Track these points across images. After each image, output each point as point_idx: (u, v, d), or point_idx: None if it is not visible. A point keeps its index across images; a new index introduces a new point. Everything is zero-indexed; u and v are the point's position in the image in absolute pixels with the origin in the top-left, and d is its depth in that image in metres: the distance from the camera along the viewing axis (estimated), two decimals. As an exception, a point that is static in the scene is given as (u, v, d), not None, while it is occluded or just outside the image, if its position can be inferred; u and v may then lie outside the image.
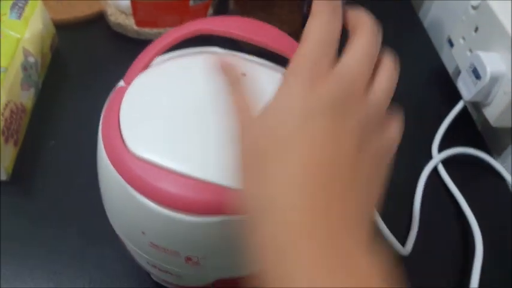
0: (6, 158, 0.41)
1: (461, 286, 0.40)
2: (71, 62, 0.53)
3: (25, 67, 0.44)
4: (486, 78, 0.46)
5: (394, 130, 0.26)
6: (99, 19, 0.58)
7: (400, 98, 0.54)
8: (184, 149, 0.27)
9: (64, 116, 0.48)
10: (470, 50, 0.52)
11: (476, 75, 0.48)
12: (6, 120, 0.40)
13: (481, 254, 0.40)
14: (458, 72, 0.53)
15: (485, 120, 0.51)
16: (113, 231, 0.39)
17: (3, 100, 0.40)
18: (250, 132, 0.23)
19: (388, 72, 0.27)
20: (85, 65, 0.53)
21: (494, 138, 0.53)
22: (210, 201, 0.26)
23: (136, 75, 0.30)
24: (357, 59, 0.24)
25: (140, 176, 0.26)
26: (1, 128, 0.39)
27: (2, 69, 0.40)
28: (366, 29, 0.26)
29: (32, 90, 0.46)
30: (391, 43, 0.60)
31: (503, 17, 0.47)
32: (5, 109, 0.40)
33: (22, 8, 0.46)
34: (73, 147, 0.45)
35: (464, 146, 0.50)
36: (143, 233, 0.28)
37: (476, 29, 0.51)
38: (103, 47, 0.56)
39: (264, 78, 0.30)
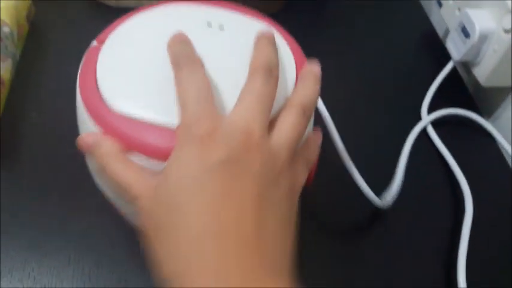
0: (-16, 131, 0.39)
1: (450, 244, 0.40)
2: (49, 32, 0.52)
3: (0, 37, 0.43)
4: (475, 36, 0.45)
5: (301, 168, 0.27)
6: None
7: (390, 61, 0.54)
8: (164, 101, 0.26)
9: (44, 87, 0.46)
10: (459, 9, 0.51)
11: (466, 33, 0.47)
12: (-19, 91, 0.39)
13: (471, 213, 0.40)
14: (447, 33, 0.51)
15: (475, 82, 0.50)
16: (97, 201, 0.39)
17: (-22, 70, 0.38)
18: (148, 205, 0.23)
19: (292, 118, 0.26)
20: (64, 35, 0.52)
21: (484, 99, 0.52)
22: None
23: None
24: (246, 108, 0.24)
25: (126, 132, 0.25)
26: (-23, 99, 0.38)
27: (-26, 39, 0.39)
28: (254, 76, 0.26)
29: (10, 62, 0.45)
30: (381, 7, 0.60)
31: (492, -28, 0.45)
32: (-20, 80, 0.39)
33: (-6, -24, 0.44)
34: (54, 118, 0.44)
35: (454, 107, 0.49)
36: None
37: (465, -13, 0.50)
38: (81, 16, 0.54)
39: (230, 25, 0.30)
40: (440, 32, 0.58)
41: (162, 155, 0.24)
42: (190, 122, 0.23)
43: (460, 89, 0.52)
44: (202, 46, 0.27)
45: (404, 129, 0.47)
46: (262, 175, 0.23)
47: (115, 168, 0.25)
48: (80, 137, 0.26)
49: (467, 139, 0.48)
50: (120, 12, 0.32)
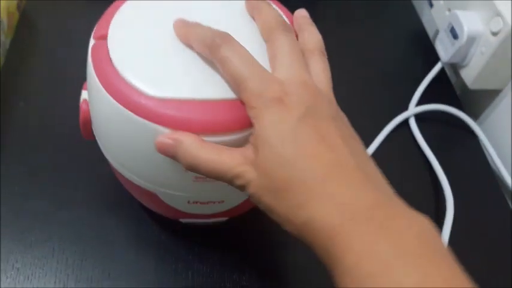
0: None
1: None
2: (40, 23, 0.51)
3: (-11, 26, 0.42)
4: (463, 38, 0.46)
5: None
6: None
7: (379, 59, 0.54)
8: (193, 78, 0.27)
9: (33, 77, 0.46)
10: (449, 10, 0.51)
11: (454, 34, 0.47)
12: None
13: (452, 211, 0.40)
14: (437, 34, 0.52)
15: (463, 83, 0.50)
16: (82, 193, 0.39)
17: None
18: (256, 177, 0.25)
19: (319, 63, 0.29)
20: (54, 26, 0.51)
21: (471, 101, 0.53)
22: (244, 116, 0.26)
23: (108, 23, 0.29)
24: (289, 64, 0.26)
25: (171, 114, 0.26)
26: (-37, 88, 0.38)
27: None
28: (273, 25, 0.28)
29: (-2, 51, 0.45)
30: (373, 5, 0.60)
31: (482, -25, 0.46)
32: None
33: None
34: (42, 109, 0.44)
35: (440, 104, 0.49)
36: (186, 170, 0.27)
37: (455, -12, 0.50)
38: (73, 6, 0.54)
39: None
40: (430, 33, 0.59)
41: (223, 126, 0.26)
42: (260, 90, 0.25)
43: (448, 89, 0.53)
44: (193, 19, 0.29)
45: (388, 120, 0.47)
46: (332, 115, 0.26)
47: (208, 158, 0.25)
48: (157, 141, 0.26)
49: (450, 136, 0.49)
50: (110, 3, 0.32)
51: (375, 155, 0.45)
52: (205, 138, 0.26)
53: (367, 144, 0.45)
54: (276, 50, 0.27)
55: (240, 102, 0.26)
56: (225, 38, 0.26)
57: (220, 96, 0.27)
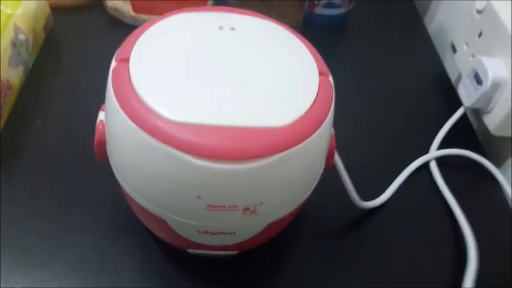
0: (-14, 134, 0.39)
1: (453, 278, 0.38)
2: (65, 45, 0.52)
3: (15, 44, 0.43)
4: (488, 84, 0.45)
5: None
6: (97, 5, 0.57)
7: (401, 102, 0.54)
8: (213, 103, 0.27)
9: (53, 97, 0.47)
10: (473, 56, 0.50)
11: (478, 80, 0.47)
12: (-11, 95, 0.39)
13: (474, 256, 0.38)
14: (460, 79, 0.51)
15: (485, 130, 0.49)
16: (91, 217, 0.38)
17: (-12, 74, 0.39)
18: None
19: None
20: (79, 49, 0.52)
21: (494, 149, 0.52)
22: (263, 144, 0.26)
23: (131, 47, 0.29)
24: None
25: (188, 139, 0.25)
26: (-17, 102, 0.38)
27: (-12, 43, 0.39)
28: None
29: (21, 68, 0.45)
30: (395, 48, 0.60)
31: (508, 22, 0.45)
32: (-12, 83, 0.39)
33: (16, -15, 0.45)
34: (59, 129, 0.44)
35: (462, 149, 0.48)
36: (199, 197, 0.27)
37: (480, 34, 0.50)
38: (99, 31, 0.55)
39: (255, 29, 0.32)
40: (452, 78, 0.58)
41: (239, 153, 0.26)
42: None
43: (469, 135, 0.52)
44: (216, 47, 0.29)
45: (408, 163, 0.46)
46: None
47: None
48: None
49: (472, 181, 0.47)
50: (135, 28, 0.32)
51: (394, 197, 0.43)
52: (221, 165, 0.25)
53: (386, 186, 0.43)
54: None
55: (260, 131, 0.26)
56: None
57: (240, 124, 0.26)
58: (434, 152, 0.47)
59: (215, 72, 0.29)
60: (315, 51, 0.32)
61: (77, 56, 0.51)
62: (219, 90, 0.28)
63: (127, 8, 0.53)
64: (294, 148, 0.27)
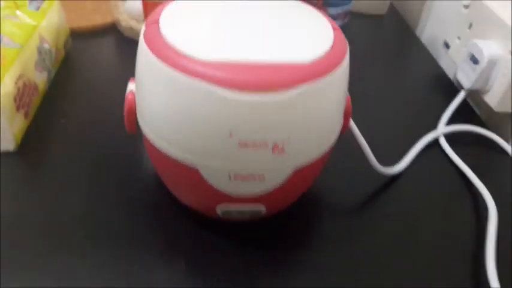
0: (15, 125, 0.41)
1: (474, 244, 0.38)
2: (82, 64, 0.55)
3: (40, 51, 0.46)
4: (484, 61, 0.48)
5: None
6: (112, 29, 0.61)
7: (401, 98, 0.56)
8: (241, 44, 0.30)
9: (74, 103, 0.49)
10: (466, 45, 0.54)
11: (474, 61, 0.50)
12: (18, 89, 0.41)
13: (495, 215, 0.39)
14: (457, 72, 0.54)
15: (488, 113, 0.51)
16: (109, 232, 0.39)
17: (18, 71, 0.41)
18: None
19: None
20: (96, 66, 0.55)
21: (496, 129, 0.53)
22: (290, 76, 0.28)
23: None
24: None
25: (220, 74, 0.27)
26: (14, 95, 0.40)
27: (18, 45, 0.42)
28: None
29: (45, 74, 0.48)
30: (392, 56, 0.63)
31: (495, 7, 0.49)
32: (18, 79, 0.41)
33: (40, 2, 0.49)
34: (82, 127, 0.46)
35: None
36: (231, 134, 0.29)
37: (470, 26, 0.54)
38: (115, 50, 0.58)
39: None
40: (450, 75, 0.61)
41: (266, 85, 0.28)
42: None
43: (472, 116, 0.53)
44: (239, 7, 0.33)
45: (417, 139, 0.48)
46: None
47: None
48: None
49: (482, 155, 0.48)
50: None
51: (408, 172, 0.44)
52: (251, 97, 0.27)
53: (399, 158, 0.45)
54: None
55: (287, 66, 0.28)
56: None
57: (268, 60, 0.28)
58: (443, 127, 0.49)
59: (240, 24, 0.32)
60: (327, 16, 0.36)
61: (94, 73, 0.54)
62: (245, 35, 0.30)
63: (141, 27, 0.57)
64: (318, 81, 0.29)
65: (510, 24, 0.47)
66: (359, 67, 0.61)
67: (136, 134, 0.36)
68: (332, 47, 0.31)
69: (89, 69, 0.54)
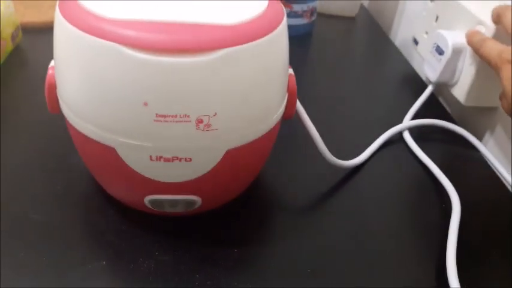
0: None
1: (437, 238, 0.35)
2: (31, 58, 0.53)
3: (-23, 38, 0.43)
4: (449, 51, 0.45)
5: None
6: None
7: (376, 93, 0.54)
8: (159, 5, 0.27)
9: (14, 98, 0.46)
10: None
11: (440, 51, 0.47)
12: None
13: (458, 207, 0.35)
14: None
15: (458, 109, 0.49)
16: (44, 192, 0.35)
17: None
18: None
19: None
20: (45, 62, 0.52)
21: (465, 122, 0.51)
22: (211, 37, 0.25)
23: None
24: None
25: (131, 33, 0.24)
26: None
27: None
28: None
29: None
30: (364, 61, 0.61)
31: (460, -5, 0.47)
32: None
33: (-16, -9, 0.47)
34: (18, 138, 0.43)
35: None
36: (145, 104, 0.25)
37: (436, 19, 0.51)
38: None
39: None
40: (421, 74, 0.59)
41: (180, 45, 0.25)
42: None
43: (439, 110, 0.51)
44: None
45: (381, 133, 0.45)
46: None
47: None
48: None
49: (446, 148, 0.46)
50: None
51: (369, 165, 0.41)
52: (166, 58, 0.24)
53: (359, 153, 0.42)
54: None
55: (209, 26, 0.25)
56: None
57: (188, 20, 0.26)
58: (407, 121, 0.46)
59: None
60: None
61: (42, 67, 0.51)
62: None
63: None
64: (244, 45, 0.26)
65: (475, 12, 0.44)
66: (329, 67, 0.58)
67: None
68: (264, 11, 0.28)
69: (36, 64, 0.52)
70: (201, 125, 0.27)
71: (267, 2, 0.29)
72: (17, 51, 0.52)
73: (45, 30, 0.57)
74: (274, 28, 0.28)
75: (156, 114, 0.26)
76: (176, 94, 0.26)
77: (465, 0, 0.46)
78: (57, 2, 0.29)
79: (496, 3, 0.41)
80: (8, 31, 0.50)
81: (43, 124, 0.42)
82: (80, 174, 0.37)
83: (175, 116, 0.26)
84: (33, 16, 0.58)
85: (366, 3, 0.76)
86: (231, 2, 0.29)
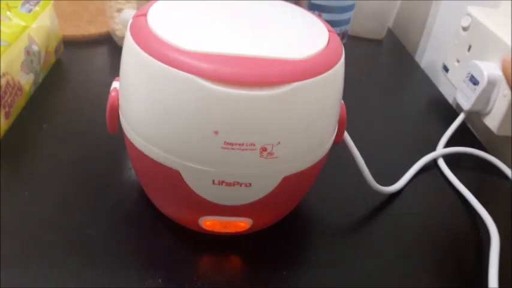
0: (-6, 125, 0.39)
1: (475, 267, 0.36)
2: (73, 71, 0.54)
3: (28, 51, 0.45)
4: (484, 81, 0.47)
5: None
6: (107, 40, 0.60)
7: (400, 126, 0.54)
8: (232, 37, 0.28)
9: (59, 108, 0.47)
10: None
11: (474, 82, 0.48)
12: (0, 87, 0.39)
13: (497, 239, 0.36)
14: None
15: (488, 138, 0.50)
16: (96, 211, 0.36)
17: (2, 69, 0.39)
18: None
19: None
20: (87, 74, 0.54)
21: (496, 151, 0.52)
22: (281, 71, 0.26)
23: None
24: None
25: (207, 65, 0.26)
26: (-6, 93, 0.38)
27: (4, 43, 0.41)
28: None
29: (32, 76, 0.46)
30: (392, 85, 0.62)
31: (494, 27, 0.48)
32: (1, 77, 0.39)
33: (33, 6, 0.48)
34: (64, 133, 0.44)
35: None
36: (216, 132, 0.27)
37: (469, 48, 0.53)
38: (107, 61, 0.57)
39: None
40: (450, 100, 0.60)
41: (254, 79, 0.26)
42: None
43: (471, 138, 0.52)
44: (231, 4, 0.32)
45: (417, 159, 0.46)
46: None
47: None
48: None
49: (479, 177, 0.47)
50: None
51: (405, 193, 0.42)
52: (239, 91, 0.26)
53: (394, 181, 0.43)
54: None
55: (278, 61, 0.26)
56: None
57: (259, 54, 0.27)
58: (441, 149, 0.47)
59: (233, 20, 0.30)
60: (322, 19, 0.34)
61: (84, 80, 0.53)
62: (237, 30, 0.29)
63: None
64: (310, 79, 0.27)
65: (510, 44, 0.46)
66: (358, 90, 0.60)
67: (119, 142, 0.34)
68: (327, 46, 0.30)
69: (79, 77, 0.53)
70: (265, 153, 0.28)
71: (327, 35, 0.31)
72: (58, 64, 0.54)
73: (84, 44, 0.59)
74: (337, 62, 0.29)
75: (225, 142, 0.27)
76: (245, 124, 0.27)
77: (500, 31, 0.48)
78: (128, 25, 0.30)
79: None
80: (53, 44, 0.51)
81: (88, 138, 0.43)
82: (131, 190, 0.38)
83: (242, 144, 0.27)
84: (72, 30, 0.59)
85: (392, 26, 0.78)
86: (295, 35, 0.30)
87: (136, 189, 0.38)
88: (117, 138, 0.34)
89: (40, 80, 0.49)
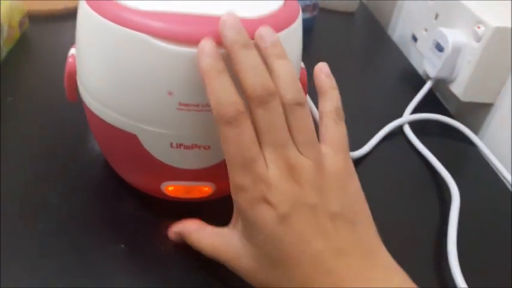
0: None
1: (437, 231, 0.37)
2: (38, 46, 0.53)
3: (-12, 25, 0.44)
4: (449, 48, 0.47)
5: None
6: (74, 15, 0.59)
7: (369, 96, 0.55)
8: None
9: (23, 82, 0.46)
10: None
11: (439, 48, 0.49)
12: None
13: (457, 201, 0.37)
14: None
15: (456, 104, 0.50)
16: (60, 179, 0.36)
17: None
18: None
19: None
20: (53, 50, 0.53)
21: (465, 121, 0.53)
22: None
23: None
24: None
25: (160, 25, 0.25)
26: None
27: (-38, 15, 0.40)
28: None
29: (-7, 51, 0.45)
30: (363, 57, 0.63)
31: (460, -5, 0.49)
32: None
33: (-7, -23, 0.47)
34: (29, 106, 0.43)
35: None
36: (170, 93, 0.26)
37: (436, 16, 0.53)
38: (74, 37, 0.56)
39: None
40: (420, 70, 0.61)
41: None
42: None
43: (438, 106, 0.53)
44: None
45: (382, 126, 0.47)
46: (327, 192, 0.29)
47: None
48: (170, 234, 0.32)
49: (445, 142, 0.48)
50: None
51: (370, 158, 0.43)
52: (192, 49, 0.26)
53: (360, 146, 0.43)
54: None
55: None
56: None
57: (215, 13, 0.26)
58: (407, 115, 0.48)
59: None
60: None
61: (49, 54, 0.52)
62: None
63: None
64: None
65: (475, 12, 0.46)
66: (330, 62, 0.59)
67: (84, 113, 0.34)
68: (282, 7, 0.30)
69: (45, 52, 0.52)
70: None
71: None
72: (24, 39, 0.53)
73: (50, 19, 0.58)
74: (292, 22, 0.29)
75: (179, 103, 0.27)
76: (199, 84, 0.27)
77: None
78: None
79: (496, 3, 0.43)
80: (16, 19, 0.50)
81: (53, 111, 0.43)
82: (94, 160, 0.38)
83: (198, 105, 0.27)
84: (38, 5, 0.58)
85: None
86: None
87: (99, 160, 0.38)
88: (81, 110, 0.34)
89: (4, 55, 0.48)
